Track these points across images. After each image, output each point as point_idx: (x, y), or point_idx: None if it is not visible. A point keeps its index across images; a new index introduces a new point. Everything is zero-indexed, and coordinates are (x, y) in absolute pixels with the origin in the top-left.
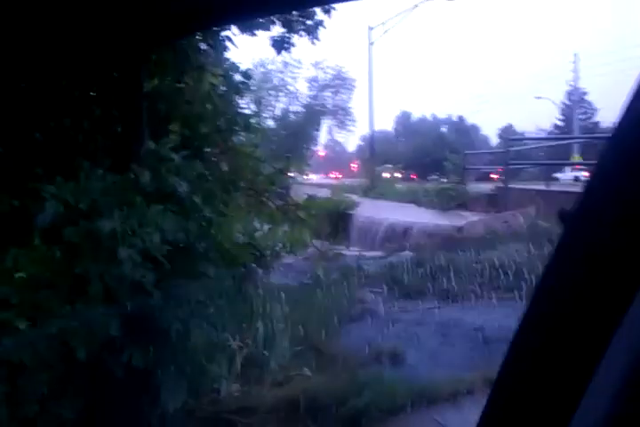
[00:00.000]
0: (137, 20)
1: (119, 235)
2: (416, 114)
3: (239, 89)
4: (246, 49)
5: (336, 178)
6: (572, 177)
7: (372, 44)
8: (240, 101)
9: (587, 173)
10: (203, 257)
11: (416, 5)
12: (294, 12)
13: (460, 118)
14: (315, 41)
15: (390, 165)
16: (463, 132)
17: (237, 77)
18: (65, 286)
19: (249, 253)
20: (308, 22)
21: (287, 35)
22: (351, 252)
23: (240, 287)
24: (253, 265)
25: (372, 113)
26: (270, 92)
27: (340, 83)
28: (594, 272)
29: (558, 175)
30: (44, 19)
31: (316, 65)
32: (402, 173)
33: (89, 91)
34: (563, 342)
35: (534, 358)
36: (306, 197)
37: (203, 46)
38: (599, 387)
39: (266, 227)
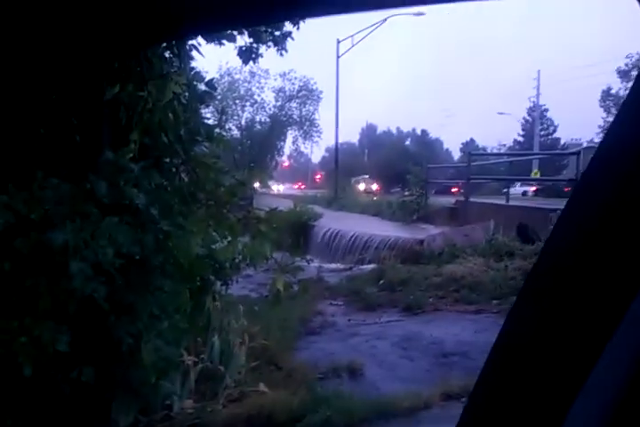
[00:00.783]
0: (104, 29)
1: (71, 247)
2: (381, 127)
3: (203, 98)
4: (213, 58)
5: (299, 188)
6: (521, 191)
7: (339, 56)
8: (204, 111)
9: (534, 188)
10: (158, 270)
11: (384, 19)
12: None
13: (424, 132)
14: (282, 52)
15: (367, 176)
16: (427, 145)
17: (202, 87)
18: (13, 300)
19: (207, 266)
20: (276, 33)
21: (255, 45)
22: (312, 263)
23: (197, 301)
24: (211, 278)
25: (338, 125)
26: (236, 101)
27: (307, 94)
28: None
29: (509, 190)
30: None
31: (283, 76)
32: (378, 185)
33: (46, 97)
34: (547, 347)
35: (518, 360)
36: (267, 209)
37: (167, 54)
38: (591, 390)
39: (225, 240)
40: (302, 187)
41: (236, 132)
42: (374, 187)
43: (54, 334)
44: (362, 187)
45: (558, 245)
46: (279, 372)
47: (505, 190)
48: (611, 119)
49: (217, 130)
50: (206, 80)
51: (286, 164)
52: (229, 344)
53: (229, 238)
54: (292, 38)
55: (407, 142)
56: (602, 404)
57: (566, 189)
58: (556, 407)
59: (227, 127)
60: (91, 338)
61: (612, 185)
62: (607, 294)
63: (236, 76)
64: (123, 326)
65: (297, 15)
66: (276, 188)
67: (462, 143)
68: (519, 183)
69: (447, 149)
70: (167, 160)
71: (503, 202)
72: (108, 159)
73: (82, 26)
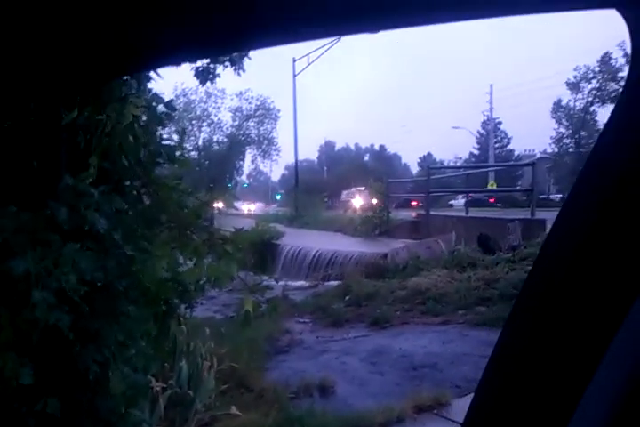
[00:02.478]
0: (66, 61)
1: (33, 276)
2: (339, 143)
3: (162, 120)
4: (169, 78)
5: (261, 207)
6: (463, 203)
7: (295, 75)
8: (162, 132)
9: (492, 199)
10: (122, 296)
11: (339, 38)
12: None
13: (382, 147)
14: (240, 72)
15: (362, 188)
16: (385, 160)
17: (161, 108)
18: None
19: (171, 290)
20: (234, 53)
21: (212, 65)
22: (277, 282)
23: (162, 326)
24: (176, 301)
25: (297, 143)
26: (193, 121)
27: (265, 113)
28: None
29: (452, 202)
30: None
31: (239, 95)
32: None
33: (2, 122)
34: (547, 348)
35: (520, 362)
36: (232, 229)
37: (125, 77)
38: (596, 392)
39: (190, 262)
40: (261, 205)
41: (192, 151)
42: (374, 201)
43: (17, 366)
44: (358, 202)
45: (552, 253)
46: (250, 393)
47: (449, 202)
48: (562, 130)
49: (178, 151)
50: (166, 101)
51: (246, 183)
52: (197, 368)
53: (194, 260)
54: (249, 58)
55: (366, 158)
56: (602, 411)
57: (491, 200)
58: (558, 413)
59: (186, 149)
60: (56, 368)
61: (605, 193)
62: (605, 300)
63: (192, 97)
64: (89, 355)
65: (263, 45)
66: (247, 207)
67: (420, 157)
68: (461, 196)
69: (405, 164)
70: (128, 183)
71: (463, 214)
72: (68, 185)
73: (40, 58)
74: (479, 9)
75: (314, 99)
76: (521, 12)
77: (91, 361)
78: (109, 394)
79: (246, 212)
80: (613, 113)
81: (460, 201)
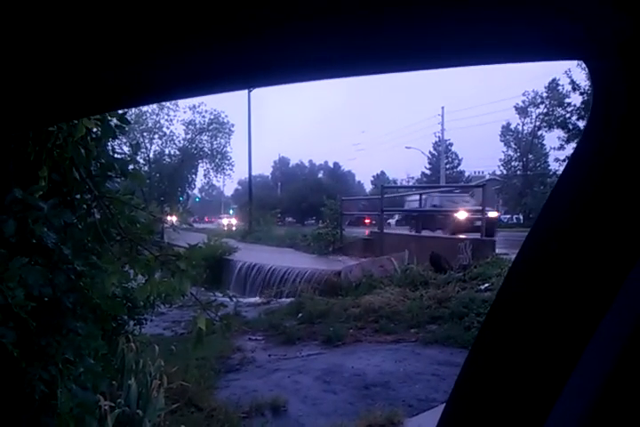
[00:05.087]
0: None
1: None
2: (294, 159)
3: (115, 133)
4: None
5: (210, 222)
6: (395, 222)
7: (250, 90)
8: (112, 143)
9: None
10: (71, 312)
11: None
12: None
13: (336, 165)
14: None
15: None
16: (339, 178)
17: (114, 121)
18: None
19: (121, 306)
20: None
21: None
22: (229, 298)
23: (111, 343)
24: (125, 317)
25: (251, 158)
26: (144, 133)
27: (218, 127)
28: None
29: (390, 221)
30: None
31: (193, 108)
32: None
33: None
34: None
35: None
36: (186, 245)
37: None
38: (570, 395)
39: (141, 277)
40: (212, 220)
41: (143, 164)
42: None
43: None
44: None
45: (526, 260)
46: (200, 413)
47: (387, 221)
48: (511, 153)
49: (131, 165)
50: (119, 114)
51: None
52: (146, 387)
53: (146, 276)
54: None
55: (320, 175)
56: (579, 411)
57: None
58: (534, 413)
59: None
60: None
61: (576, 209)
62: (577, 307)
63: (144, 109)
64: (35, 373)
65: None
66: (227, 221)
67: (373, 176)
68: (396, 215)
69: (359, 182)
70: (78, 197)
71: (415, 233)
72: (16, 197)
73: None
74: (453, 58)
75: (268, 115)
76: (490, 61)
77: (37, 379)
78: (56, 413)
79: (226, 225)
80: (574, 153)
81: (395, 220)
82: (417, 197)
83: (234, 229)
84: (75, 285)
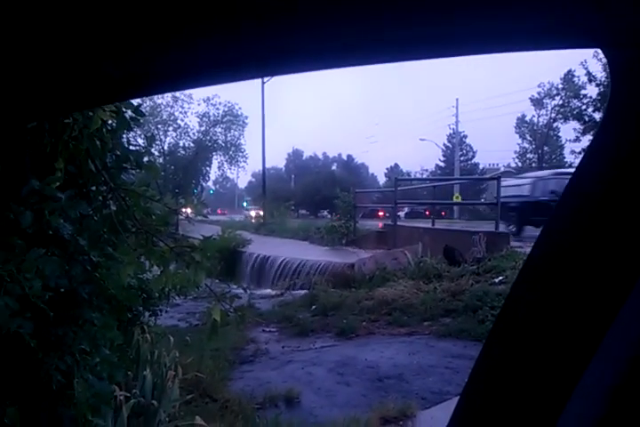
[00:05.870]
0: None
1: None
2: (307, 152)
3: (130, 125)
4: None
5: (224, 214)
6: (404, 214)
7: (264, 82)
8: (127, 135)
9: (428, 212)
10: (87, 303)
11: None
12: None
13: (350, 157)
14: None
15: None
16: (353, 170)
17: (129, 113)
18: None
19: (136, 297)
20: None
21: None
22: (243, 290)
23: (126, 333)
24: (141, 308)
25: (265, 150)
26: (159, 126)
27: (232, 119)
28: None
29: (399, 213)
30: None
31: (207, 101)
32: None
33: None
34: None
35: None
36: (200, 236)
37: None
38: (584, 391)
39: (156, 268)
40: (225, 212)
41: (158, 156)
42: None
43: None
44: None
45: (541, 256)
46: (215, 404)
47: (398, 214)
48: (526, 145)
49: (146, 157)
50: (135, 107)
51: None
52: (161, 377)
53: (161, 268)
54: None
55: (333, 167)
56: (588, 414)
57: (427, 213)
58: (545, 416)
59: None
60: (16, 376)
61: (592, 204)
62: (592, 303)
63: (159, 101)
64: (52, 363)
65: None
66: (254, 213)
67: (387, 168)
68: (405, 208)
69: (373, 174)
70: (94, 188)
71: (429, 225)
72: (33, 188)
73: (24, 72)
74: (469, 46)
75: (282, 107)
76: (509, 49)
77: (53, 369)
78: (72, 403)
79: (254, 216)
80: (592, 144)
81: (403, 212)
82: (520, 180)
83: (261, 220)
84: (91, 276)
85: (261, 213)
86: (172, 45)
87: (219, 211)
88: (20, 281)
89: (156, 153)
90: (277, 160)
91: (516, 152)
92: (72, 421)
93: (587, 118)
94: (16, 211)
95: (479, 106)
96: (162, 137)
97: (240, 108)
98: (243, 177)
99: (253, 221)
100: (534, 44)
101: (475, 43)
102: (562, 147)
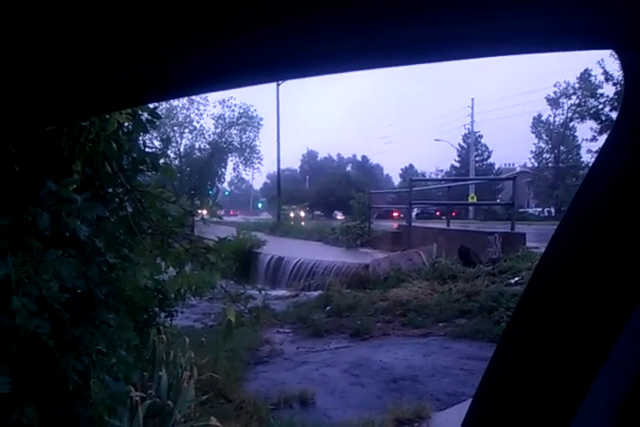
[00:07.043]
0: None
1: (14, 282)
2: (322, 153)
3: (146, 128)
4: None
5: (237, 215)
6: (415, 214)
7: (279, 84)
8: (143, 138)
9: (438, 213)
10: (103, 304)
11: None
12: None
13: (365, 158)
14: None
15: None
16: (367, 171)
17: (145, 116)
18: None
19: (152, 298)
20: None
21: None
22: (258, 291)
23: (142, 334)
24: (157, 309)
25: (279, 151)
26: (174, 128)
27: (247, 121)
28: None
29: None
30: None
31: (222, 103)
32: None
33: None
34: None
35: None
36: (216, 238)
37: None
38: (597, 393)
39: (172, 269)
40: (237, 213)
41: (173, 158)
42: None
43: None
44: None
45: (553, 260)
46: (230, 404)
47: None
48: (542, 145)
49: (162, 159)
50: (151, 109)
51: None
52: (177, 378)
53: (177, 269)
54: None
55: (348, 168)
56: (601, 416)
57: (437, 213)
58: (557, 418)
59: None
60: (34, 376)
61: (604, 206)
62: (605, 306)
63: (175, 103)
64: (69, 363)
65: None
66: (293, 214)
67: (402, 169)
68: (416, 209)
69: (388, 175)
70: (110, 190)
71: (444, 226)
72: (51, 190)
73: (39, 79)
74: (483, 48)
75: (297, 108)
76: (522, 51)
77: (70, 370)
78: (89, 403)
79: (293, 218)
80: (605, 145)
81: (414, 213)
82: None
83: (302, 223)
84: (107, 277)
85: (302, 213)
86: (186, 52)
87: (231, 212)
88: (38, 282)
89: (172, 155)
90: (292, 161)
91: (532, 152)
92: (89, 421)
93: (604, 118)
94: (34, 213)
95: (495, 106)
96: (178, 139)
97: (255, 110)
98: (258, 178)
99: (292, 222)
100: (547, 46)
101: (489, 44)
102: (578, 146)
